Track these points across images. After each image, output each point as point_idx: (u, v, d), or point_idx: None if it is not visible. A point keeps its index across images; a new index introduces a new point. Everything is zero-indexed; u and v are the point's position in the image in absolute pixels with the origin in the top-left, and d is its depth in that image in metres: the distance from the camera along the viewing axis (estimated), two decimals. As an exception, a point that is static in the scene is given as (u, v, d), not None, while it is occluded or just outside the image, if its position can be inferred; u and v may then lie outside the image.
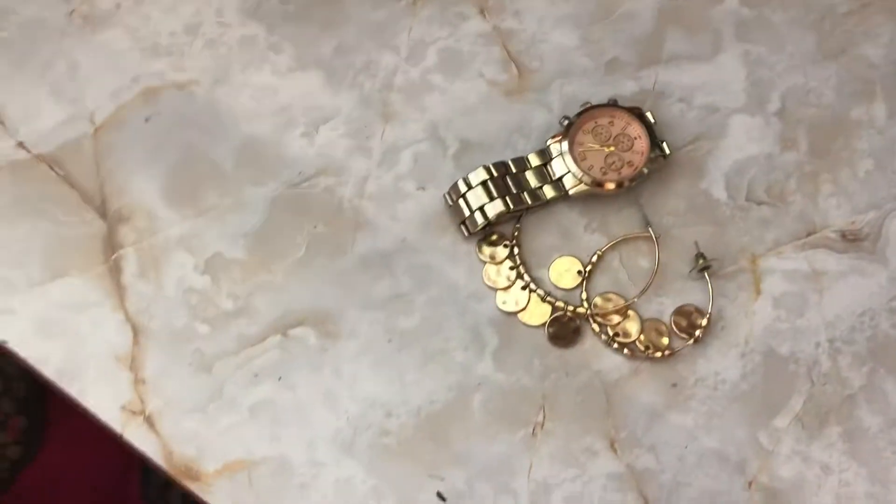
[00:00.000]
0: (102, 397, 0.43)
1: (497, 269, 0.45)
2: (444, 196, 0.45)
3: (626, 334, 0.44)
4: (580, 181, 0.45)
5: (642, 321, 0.44)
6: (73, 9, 0.48)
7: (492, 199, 0.44)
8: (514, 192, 0.45)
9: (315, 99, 0.47)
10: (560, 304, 0.44)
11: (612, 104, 0.46)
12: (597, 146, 0.45)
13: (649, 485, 0.42)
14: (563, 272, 0.45)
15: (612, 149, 0.45)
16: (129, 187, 0.45)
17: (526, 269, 0.45)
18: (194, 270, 0.44)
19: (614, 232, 0.45)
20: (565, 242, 0.45)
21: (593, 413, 0.43)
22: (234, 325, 0.44)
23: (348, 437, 0.43)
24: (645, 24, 0.48)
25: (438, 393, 0.43)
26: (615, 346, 0.43)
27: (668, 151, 0.45)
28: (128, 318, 0.44)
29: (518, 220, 0.45)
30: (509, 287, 0.44)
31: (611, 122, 0.45)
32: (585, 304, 0.44)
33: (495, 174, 0.45)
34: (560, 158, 0.45)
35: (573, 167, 0.44)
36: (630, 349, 0.43)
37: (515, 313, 0.44)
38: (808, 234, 0.46)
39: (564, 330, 0.44)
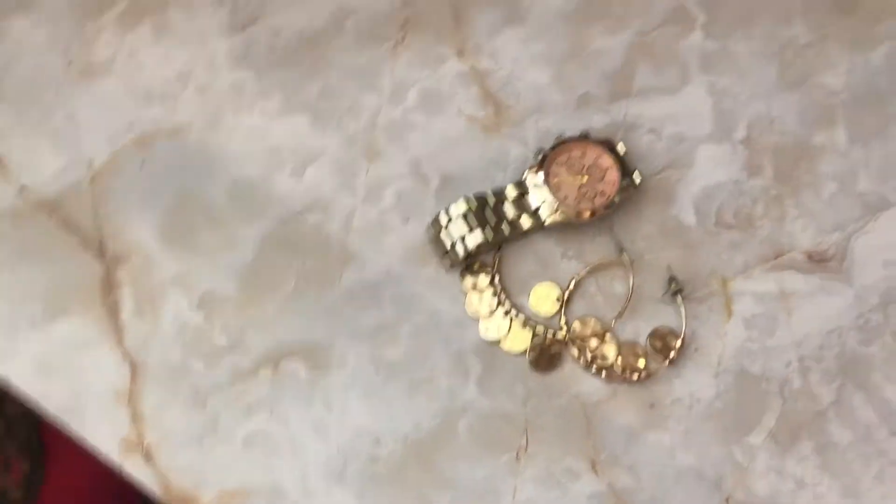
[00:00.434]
0: (102, 432, 0.44)
1: (479, 298, 0.46)
2: (427, 228, 0.48)
3: (604, 357, 0.45)
4: (556, 211, 0.47)
5: (619, 344, 0.46)
6: (71, 60, 0.51)
7: (472, 229, 0.46)
8: (494, 222, 0.47)
9: (302, 140, 0.49)
10: (540, 329, 0.46)
11: (584, 137, 0.48)
12: (570, 177, 0.47)
13: (630, 503, 0.44)
14: (543, 299, 0.47)
15: (585, 179, 0.47)
16: (126, 229, 0.48)
17: (507, 297, 0.47)
18: (189, 307, 0.46)
19: (590, 259, 0.47)
20: (544, 270, 0.47)
21: (574, 435, 0.45)
22: (227, 359, 0.46)
23: (339, 466, 0.44)
24: (615, 60, 0.51)
25: (425, 420, 0.45)
26: (594, 369, 0.45)
27: (638, 180, 0.47)
28: (126, 355, 0.46)
29: (498, 249, 0.47)
30: (491, 315, 0.46)
31: (583, 154, 0.48)
32: (564, 330, 0.46)
33: (475, 206, 0.47)
34: (536, 190, 0.47)
35: (548, 198, 0.47)
36: (608, 372, 0.45)
37: (498, 340, 0.46)
38: (777, 257, 0.48)
39: (545, 355, 0.46)
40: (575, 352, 0.45)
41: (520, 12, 0.51)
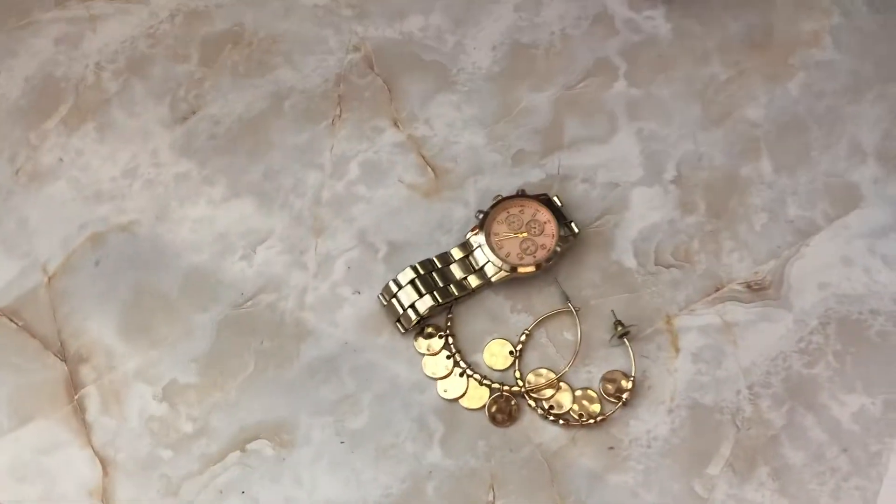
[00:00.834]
0: (77, 533, 0.45)
1: (434, 360, 0.48)
2: (378, 297, 0.49)
3: (560, 406, 0.47)
4: (500, 269, 0.48)
5: (573, 391, 0.47)
6: (19, 167, 0.52)
7: (421, 295, 0.48)
8: (442, 285, 0.48)
9: (250, 223, 0.51)
10: (496, 385, 0.47)
11: (521, 194, 0.49)
12: (511, 234, 0.49)
13: (600, 545, 0.45)
14: (496, 354, 0.48)
15: (525, 235, 0.49)
16: (85, 328, 0.49)
17: (461, 357, 0.48)
18: (153, 399, 0.47)
19: (538, 310, 0.49)
20: (495, 325, 0.49)
21: (539, 484, 0.46)
22: (195, 446, 0.46)
23: (314, 539, 0.45)
24: (544, 116, 0.53)
25: (393, 486, 0.46)
26: (551, 418, 0.46)
27: (577, 230, 0.49)
28: (95, 453, 0.46)
29: (449, 310, 0.49)
30: (448, 375, 0.47)
31: (521, 211, 0.49)
32: (520, 383, 0.47)
33: (422, 272, 0.48)
34: (480, 249, 0.49)
35: (492, 256, 0.48)
36: (565, 419, 0.46)
37: (457, 399, 0.47)
38: (717, 290, 0.49)
39: (503, 410, 0.47)
40: (532, 403, 0.47)
41: (449, 79, 0.53)
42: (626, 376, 0.47)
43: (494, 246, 0.49)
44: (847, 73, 0.53)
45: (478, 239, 0.49)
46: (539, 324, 0.49)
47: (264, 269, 0.50)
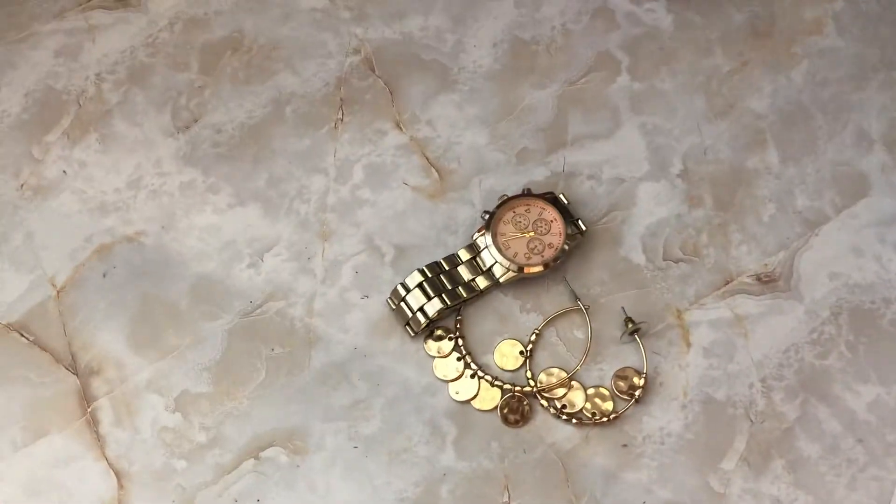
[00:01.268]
0: (94, 547, 0.45)
1: (445, 362, 0.48)
2: (386, 301, 0.49)
3: (572, 405, 0.47)
4: (508, 269, 0.48)
5: (585, 390, 0.47)
6: (23, 182, 0.52)
7: (429, 298, 0.47)
8: (450, 287, 0.48)
9: (256, 230, 0.51)
10: (508, 386, 0.47)
11: (527, 193, 0.49)
12: (518, 234, 0.49)
13: (617, 543, 0.45)
14: (507, 355, 0.48)
15: (531, 234, 0.49)
16: (95, 341, 0.49)
17: (472, 359, 0.48)
18: (165, 410, 0.47)
19: (547, 309, 0.49)
20: (505, 326, 0.49)
21: (553, 484, 0.46)
22: (209, 456, 0.46)
23: (330, 545, 0.45)
24: (547, 113, 0.52)
25: (407, 490, 0.46)
26: (564, 417, 0.46)
27: (584, 228, 0.49)
28: (110, 466, 0.47)
29: (458, 312, 0.49)
30: (459, 377, 0.47)
31: (527, 210, 0.49)
32: (531, 383, 0.47)
33: (430, 275, 0.48)
34: (487, 250, 0.48)
35: (499, 257, 0.48)
36: (578, 418, 0.46)
37: (468, 401, 0.47)
38: (726, 283, 0.49)
39: (516, 410, 0.47)
40: (544, 403, 0.47)
41: (450, 79, 0.53)
42: (638, 373, 0.47)
43: (501, 246, 0.48)
44: (851, 60, 0.53)
45: (484, 240, 0.49)
46: (549, 323, 0.48)
47: (272, 276, 0.50)
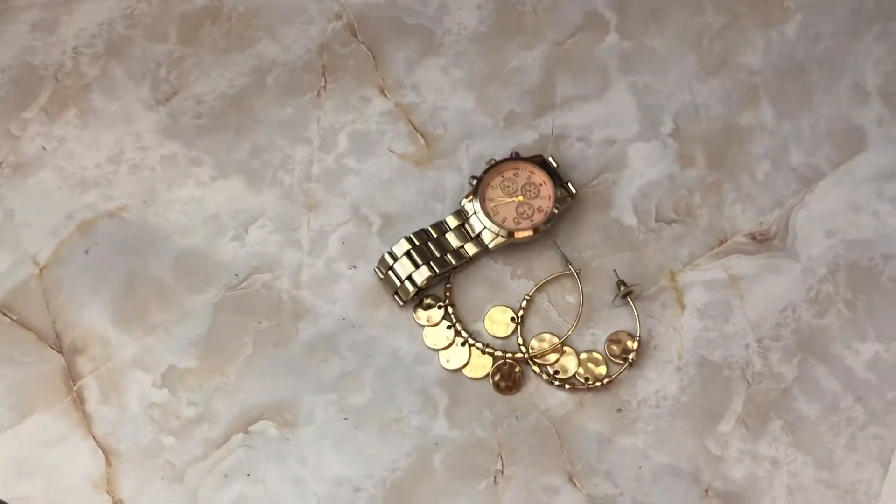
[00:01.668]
0: (83, 525, 0.45)
1: (435, 331, 0.47)
2: (374, 271, 0.48)
3: (565, 370, 0.46)
4: (497, 235, 0.47)
5: (578, 355, 0.46)
6: (2, 160, 0.51)
7: (417, 266, 0.46)
8: (438, 255, 0.47)
9: (240, 202, 0.50)
10: (499, 353, 0.46)
11: (515, 157, 0.48)
12: (506, 199, 0.48)
13: (613, 509, 0.44)
14: (497, 322, 0.47)
15: (520, 199, 0.48)
16: (79, 319, 0.48)
17: (462, 326, 0.47)
18: (152, 386, 0.47)
19: (538, 275, 0.48)
20: (495, 293, 0.48)
21: (548, 451, 0.45)
22: (197, 431, 0.46)
23: (322, 518, 0.45)
24: (534, 75, 0.51)
25: (399, 460, 0.45)
26: (557, 383, 0.46)
27: (574, 191, 0.48)
28: (98, 444, 0.46)
29: (447, 280, 0.48)
30: (449, 346, 0.47)
31: (515, 174, 0.48)
32: (523, 349, 0.46)
33: (417, 242, 0.47)
34: (476, 216, 0.47)
35: (487, 223, 0.47)
36: (571, 384, 0.46)
37: (460, 369, 0.46)
38: (721, 243, 0.48)
39: (508, 377, 0.46)
40: (536, 369, 0.46)
41: (434, 42, 0.52)
42: (632, 336, 0.46)
43: (490, 212, 0.47)
44: (846, 12, 0.51)
45: (473, 206, 0.48)
46: (540, 288, 0.47)
47: (257, 248, 0.49)
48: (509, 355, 0.46)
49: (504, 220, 0.47)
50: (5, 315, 0.48)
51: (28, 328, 0.48)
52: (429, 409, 0.46)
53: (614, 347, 0.46)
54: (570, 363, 0.46)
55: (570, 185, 0.48)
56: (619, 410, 0.45)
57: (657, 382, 0.46)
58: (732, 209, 0.48)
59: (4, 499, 0.44)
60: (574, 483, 0.44)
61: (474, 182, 0.48)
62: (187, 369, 0.47)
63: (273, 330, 0.47)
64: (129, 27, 0.53)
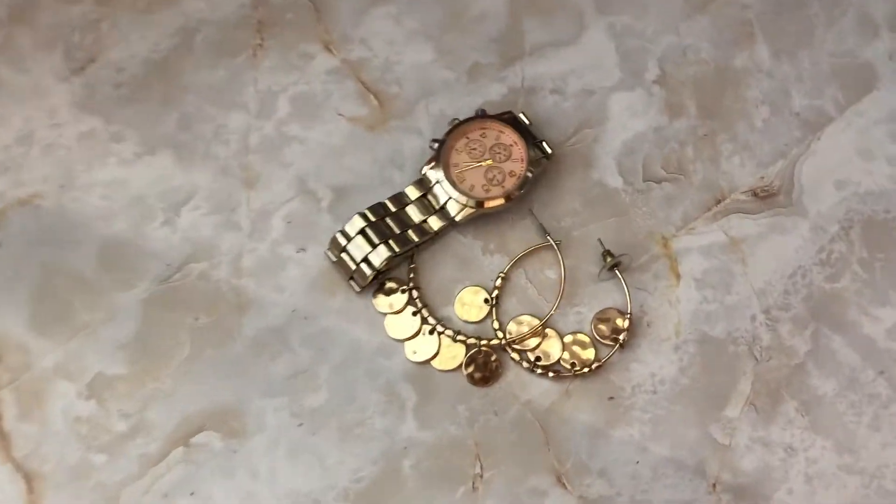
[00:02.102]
0: (2, 563, 0.40)
1: (399, 319, 0.41)
2: (325, 253, 0.42)
3: (548, 356, 0.41)
4: (465, 205, 0.42)
5: (562, 338, 0.41)
6: None
7: (374, 246, 0.41)
8: (398, 232, 0.42)
9: (169, 181, 0.44)
10: (472, 340, 0.41)
11: (481, 115, 0.43)
12: (473, 163, 0.42)
13: (609, 511, 0.39)
14: (469, 304, 0.42)
15: (489, 162, 0.42)
16: (-9, 324, 0.42)
17: (430, 312, 0.42)
18: (78, 397, 0.41)
19: (514, 249, 0.43)
20: (466, 272, 0.43)
21: (532, 449, 0.40)
22: (131, 446, 0.40)
23: (280, 538, 0.40)
24: (499, 21, 0.46)
25: (364, 468, 0.40)
26: (539, 371, 0.41)
27: (549, 150, 0.43)
28: (17, 467, 0.40)
29: (411, 260, 0.42)
30: (416, 335, 0.41)
31: (482, 135, 0.42)
32: (499, 334, 0.41)
33: (373, 218, 0.42)
34: (439, 185, 0.42)
35: (453, 192, 0.42)
36: (555, 371, 0.41)
37: (428, 361, 0.41)
38: (718, 202, 0.43)
39: (483, 367, 0.41)
40: (515, 356, 0.41)
41: (384, -12, 0.46)
42: (622, 314, 0.41)
43: (455, 179, 0.42)
44: (849, -67, 0.46)
45: (435, 173, 0.42)
46: (516, 264, 0.42)
47: (191, 233, 0.43)
48: (484, 342, 0.41)
49: (472, 187, 0.42)
50: None
51: (-67, 338, 0.42)
52: (395, 409, 0.41)
53: (602, 327, 0.41)
54: (553, 348, 0.41)
55: (544, 144, 0.43)
56: (610, 398, 0.40)
57: (653, 364, 0.41)
58: (730, 163, 0.43)
59: None
60: (563, 484, 0.39)
61: (436, 146, 0.42)
62: (117, 376, 0.41)
63: (213, 326, 0.42)
64: (36, -12, 0.47)
